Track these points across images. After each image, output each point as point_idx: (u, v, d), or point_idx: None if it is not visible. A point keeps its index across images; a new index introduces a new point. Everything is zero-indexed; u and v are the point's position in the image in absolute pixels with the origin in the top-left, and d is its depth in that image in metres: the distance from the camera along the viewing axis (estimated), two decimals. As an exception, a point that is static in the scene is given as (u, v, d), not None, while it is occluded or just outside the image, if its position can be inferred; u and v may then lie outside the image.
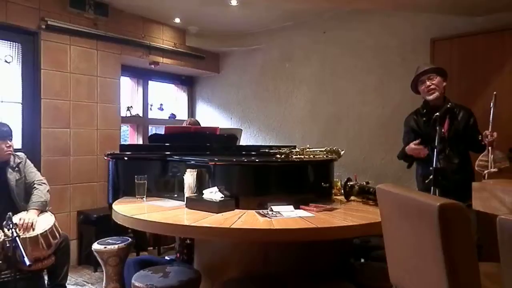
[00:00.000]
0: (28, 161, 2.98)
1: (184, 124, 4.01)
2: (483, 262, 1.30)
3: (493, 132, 2.32)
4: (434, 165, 2.43)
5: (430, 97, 2.68)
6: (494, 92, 2.37)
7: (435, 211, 1.08)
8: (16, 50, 3.65)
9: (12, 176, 2.81)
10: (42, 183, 2.89)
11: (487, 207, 1.44)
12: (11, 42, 3.62)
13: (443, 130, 2.58)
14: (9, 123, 2.94)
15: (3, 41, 3.58)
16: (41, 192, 2.81)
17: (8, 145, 2.81)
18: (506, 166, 2.23)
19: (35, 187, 2.84)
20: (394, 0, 3.59)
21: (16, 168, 2.86)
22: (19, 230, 2.41)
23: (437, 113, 2.56)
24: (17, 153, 2.95)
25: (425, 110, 2.73)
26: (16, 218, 2.52)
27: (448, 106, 2.59)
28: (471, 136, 2.60)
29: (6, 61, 3.60)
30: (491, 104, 2.37)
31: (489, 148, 2.29)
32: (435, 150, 2.44)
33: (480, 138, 2.46)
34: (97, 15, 4.06)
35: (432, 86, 2.67)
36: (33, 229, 2.58)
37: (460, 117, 2.65)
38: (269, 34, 5.01)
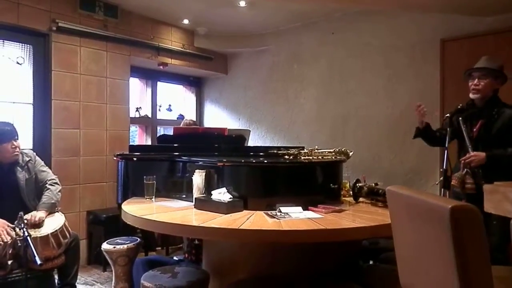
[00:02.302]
0: (38, 159, 2.92)
1: (182, 125, 4.07)
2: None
3: (472, 153, 2.39)
4: (444, 167, 2.41)
5: (471, 96, 2.60)
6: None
7: (447, 213, 1.07)
8: (28, 51, 3.70)
9: (21, 175, 2.77)
10: (54, 183, 2.86)
11: (499, 209, 1.42)
12: (23, 44, 3.67)
13: (474, 129, 2.53)
14: (20, 123, 2.90)
15: (15, 42, 3.62)
16: (52, 193, 2.79)
17: (14, 146, 2.71)
18: (455, 186, 2.40)
19: (46, 187, 2.81)
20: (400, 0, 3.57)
21: (25, 167, 2.80)
22: (28, 226, 2.42)
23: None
24: (25, 151, 2.87)
25: (461, 106, 2.57)
26: (25, 217, 2.54)
27: (459, 107, 2.56)
28: (504, 141, 2.42)
29: (18, 63, 3.64)
30: (462, 127, 2.45)
31: (464, 167, 2.41)
32: (445, 152, 2.43)
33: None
34: (107, 16, 4.10)
35: (479, 87, 2.54)
36: (41, 227, 2.58)
37: (500, 119, 2.47)
38: (277, 35, 5.02)
